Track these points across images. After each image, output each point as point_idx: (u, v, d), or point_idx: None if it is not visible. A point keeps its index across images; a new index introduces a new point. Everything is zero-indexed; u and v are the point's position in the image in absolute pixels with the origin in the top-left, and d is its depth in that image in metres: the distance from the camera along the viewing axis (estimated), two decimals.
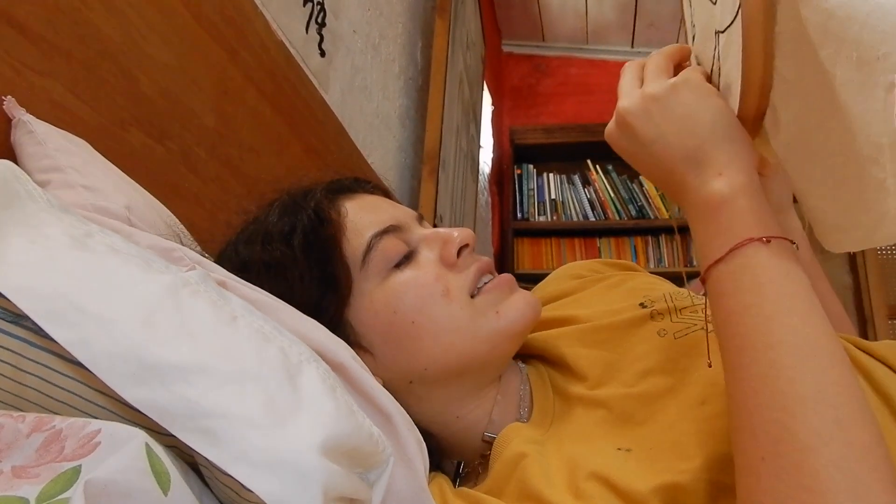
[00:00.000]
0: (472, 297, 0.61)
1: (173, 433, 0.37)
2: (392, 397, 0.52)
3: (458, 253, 0.62)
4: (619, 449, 0.53)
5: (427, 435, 0.56)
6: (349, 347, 0.54)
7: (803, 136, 0.48)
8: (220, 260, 0.62)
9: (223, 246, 0.66)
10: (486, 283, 0.63)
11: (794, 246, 0.48)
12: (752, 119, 0.51)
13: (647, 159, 0.55)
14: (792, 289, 0.45)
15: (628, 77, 0.57)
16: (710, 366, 0.55)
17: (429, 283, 0.60)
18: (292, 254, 0.59)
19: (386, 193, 0.70)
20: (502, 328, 0.60)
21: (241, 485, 0.36)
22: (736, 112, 0.52)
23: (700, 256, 0.50)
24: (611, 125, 0.57)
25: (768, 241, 0.46)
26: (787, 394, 0.41)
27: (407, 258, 0.61)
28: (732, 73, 0.51)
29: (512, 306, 0.61)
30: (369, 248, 0.60)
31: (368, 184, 0.70)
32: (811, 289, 0.46)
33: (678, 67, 0.57)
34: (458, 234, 0.62)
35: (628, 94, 0.55)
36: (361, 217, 0.62)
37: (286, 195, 0.66)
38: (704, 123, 0.51)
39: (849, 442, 0.39)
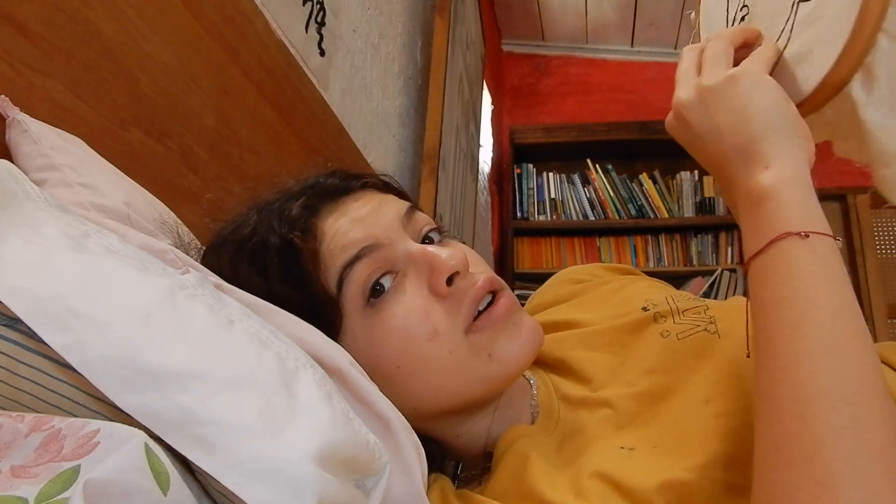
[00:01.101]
0: (467, 332, 0.54)
1: (166, 440, 0.36)
2: (390, 403, 0.50)
3: (450, 280, 0.54)
4: (622, 448, 0.52)
5: (426, 440, 0.54)
6: (346, 353, 0.51)
7: None
8: (203, 263, 0.57)
9: (204, 250, 0.61)
10: (482, 311, 0.55)
11: (838, 242, 0.48)
12: (837, 85, 0.52)
13: (702, 150, 0.55)
14: (827, 285, 0.45)
15: (686, 63, 0.56)
16: (748, 356, 0.54)
17: (414, 323, 0.53)
18: (268, 287, 0.53)
19: (379, 187, 0.63)
20: (494, 373, 0.55)
21: (235, 494, 0.36)
22: (819, 78, 0.52)
23: (744, 248, 0.50)
24: (670, 116, 0.57)
25: (807, 236, 0.46)
26: (806, 386, 0.42)
27: (386, 284, 0.54)
28: (816, 40, 0.52)
29: (506, 349, 0.55)
30: (341, 282, 0.53)
31: (357, 181, 0.61)
32: (848, 286, 0.46)
33: (741, 50, 0.56)
34: (448, 260, 0.54)
35: (685, 85, 0.54)
36: (336, 241, 0.54)
37: (261, 204, 0.59)
38: (758, 117, 0.50)
39: (865, 440, 0.39)
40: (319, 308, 0.53)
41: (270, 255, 0.54)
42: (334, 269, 0.54)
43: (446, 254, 0.54)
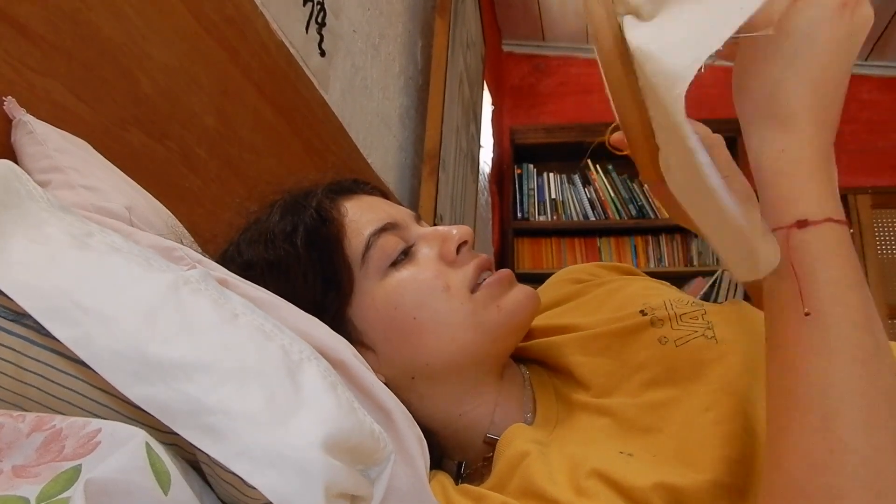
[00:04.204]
0: (472, 292, 0.61)
1: (175, 430, 0.37)
2: (393, 394, 0.52)
3: (458, 250, 0.62)
4: (621, 453, 0.53)
5: (428, 433, 0.57)
6: (350, 345, 0.54)
7: (685, 181, 0.47)
8: (223, 261, 0.62)
9: (226, 247, 0.66)
10: (485, 279, 0.63)
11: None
12: (649, 161, 0.50)
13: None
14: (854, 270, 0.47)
15: None
16: (806, 314, 0.49)
17: (429, 279, 0.60)
18: (295, 252, 0.60)
19: (384, 194, 0.71)
20: (503, 321, 0.61)
21: (243, 481, 0.36)
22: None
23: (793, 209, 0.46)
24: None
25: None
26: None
27: (406, 255, 0.62)
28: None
29: (512, 300, 0.62)
30: (368, 247, 0.60)
31: (367, 185, 0.70)
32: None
33: None
34: (457, 232, 0.63)
35: None
36: (360, 216, 0.63)
37: (287, 195, 0.66)
38: None
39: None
40: (338, 271, 0.60)
41: (300, 227, 0.61)
42: (361, 236, 0.61)
43: (455, 228, 0.63)
